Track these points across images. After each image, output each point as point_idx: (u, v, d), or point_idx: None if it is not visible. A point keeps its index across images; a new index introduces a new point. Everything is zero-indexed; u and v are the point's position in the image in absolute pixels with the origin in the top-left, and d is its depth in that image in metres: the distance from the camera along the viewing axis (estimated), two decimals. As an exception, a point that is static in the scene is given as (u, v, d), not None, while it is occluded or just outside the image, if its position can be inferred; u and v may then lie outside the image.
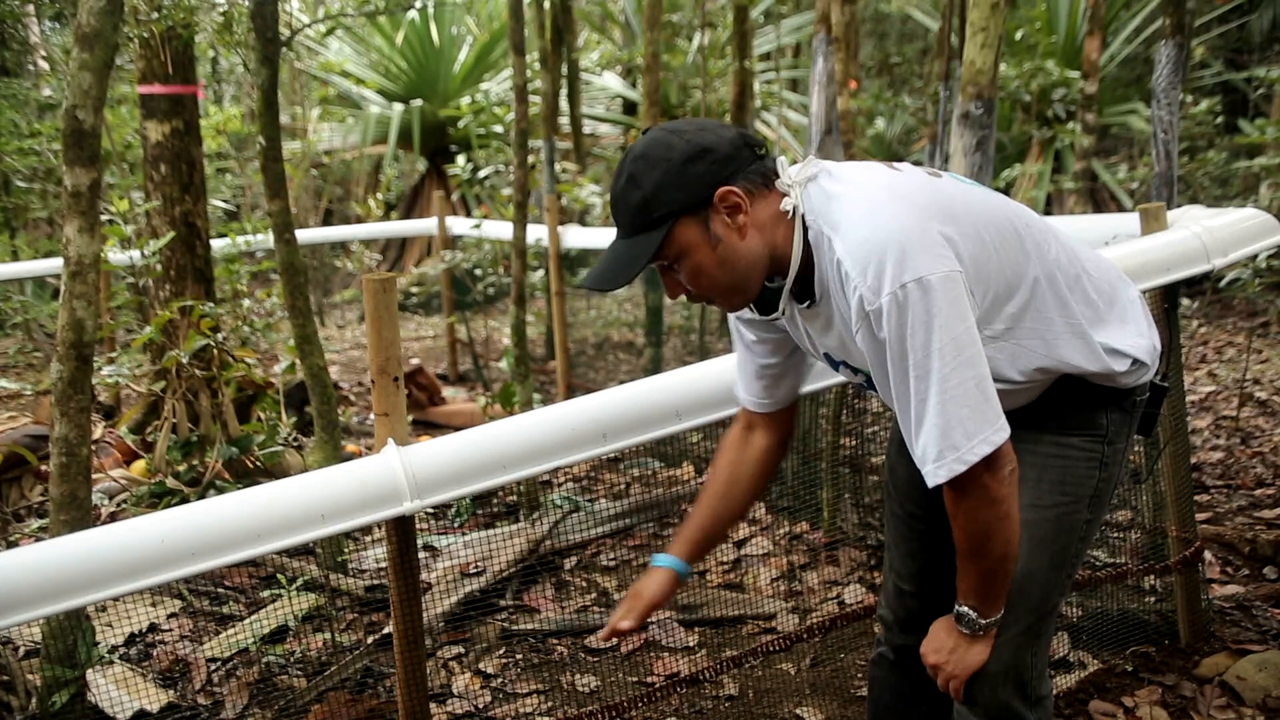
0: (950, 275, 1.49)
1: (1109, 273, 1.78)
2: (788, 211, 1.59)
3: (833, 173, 1.62)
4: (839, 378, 2.15)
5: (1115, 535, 3.39)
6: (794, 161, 1.67)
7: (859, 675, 2.92)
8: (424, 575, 3.54)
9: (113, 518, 3.86)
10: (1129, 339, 1.71)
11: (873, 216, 1.52)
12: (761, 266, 1.62)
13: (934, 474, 1.53)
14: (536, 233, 6.25)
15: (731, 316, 1.86)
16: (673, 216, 1.56)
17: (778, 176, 1.61)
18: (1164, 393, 1.83)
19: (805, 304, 1.67)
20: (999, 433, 1.52)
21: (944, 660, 1.72)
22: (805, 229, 1.59)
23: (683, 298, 1.67)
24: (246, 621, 3.32)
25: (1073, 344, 1.65)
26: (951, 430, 1.50)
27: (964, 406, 1.49)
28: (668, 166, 1.54)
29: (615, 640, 3.22)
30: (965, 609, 1.68)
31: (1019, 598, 1.69)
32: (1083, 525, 1.75)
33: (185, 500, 3.74)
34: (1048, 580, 1.73)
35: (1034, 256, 1.64)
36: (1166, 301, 2.67)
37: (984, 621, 1.67)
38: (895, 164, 1.68)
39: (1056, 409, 1.68)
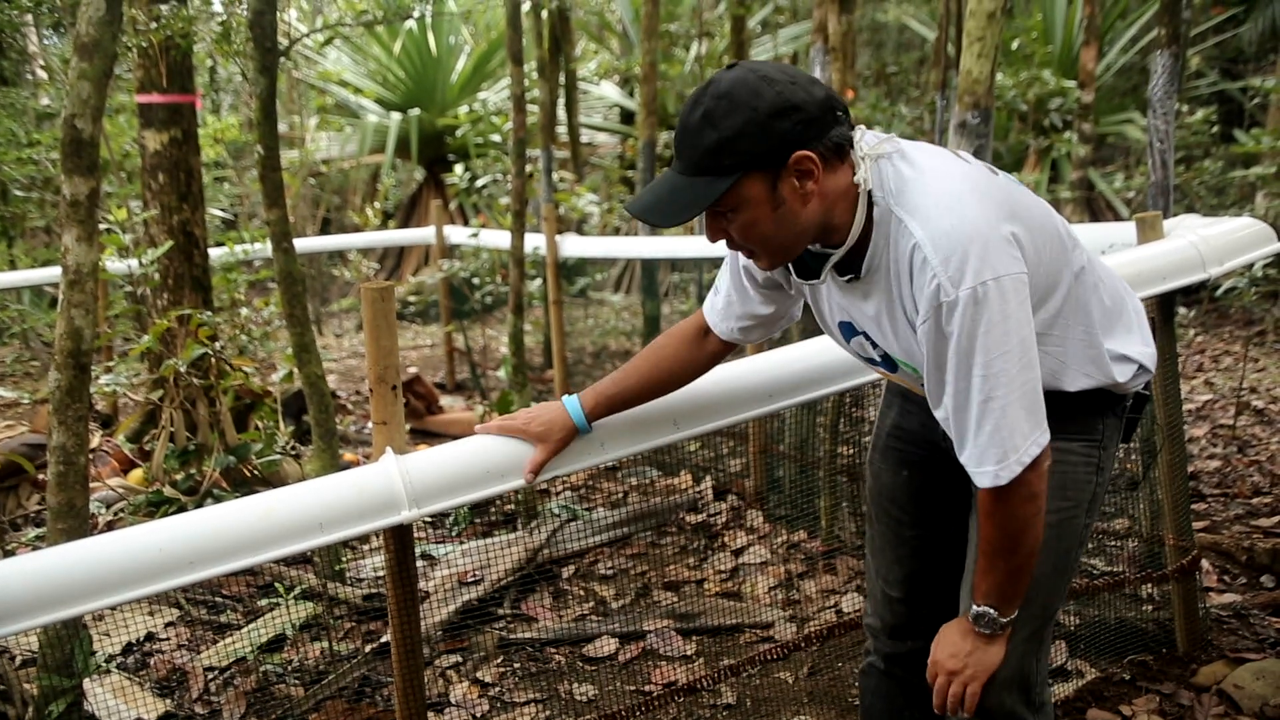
0: (1021, 277, 1.49)
1: (1116, 281, 1.80)
2: (857, 184, 1.55)
3: (906, 153, 1.58)
4: (837, 386, 2.15)
5: (1113, 544, 3.39)
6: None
7: (857, 684, 2.91)
8: (422, 584, 3.54)
9: (110, 526, 3.86)
10: (1136, 346, 1.73)
11: (959, 208, 1.50)
12: (814, 233, 1.58)
13: (995, 476, 1.52)
14: (534, 242, 6.26)
15: (739, 255, 1.79)
16: (743, 168, 1.49)
17: (852, 147, 1.57)
18: (1146, 400, 1.85)
19: (846, 277, 1.64)
20: (1045, 434, 1.54)
21: (962, 665, 1.69)
22: (870, 204, 1.56)
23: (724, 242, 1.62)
24: (244, 630, 3.31)
25: (1082, 357, 1.67)
26: (1014, 433, 1.50)
27: (1023, 409, 1.50)
28: (752, 116, 1.47)
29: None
30: (985, 609, 1.66)
31: (1025, 604, 1.69)
32: (1081, 529, 1.76)
33: (183, 509, 3.74)
34: (1051, 586, 1.73)
35: (1072, 263, 1.65)
36: (1163, 310, 2.67)
37: (1004, 620, 1.67)
38: (961, 153, 1.65)
39: (1058, 414, 1.69)
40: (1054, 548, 1.72)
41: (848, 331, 1.76)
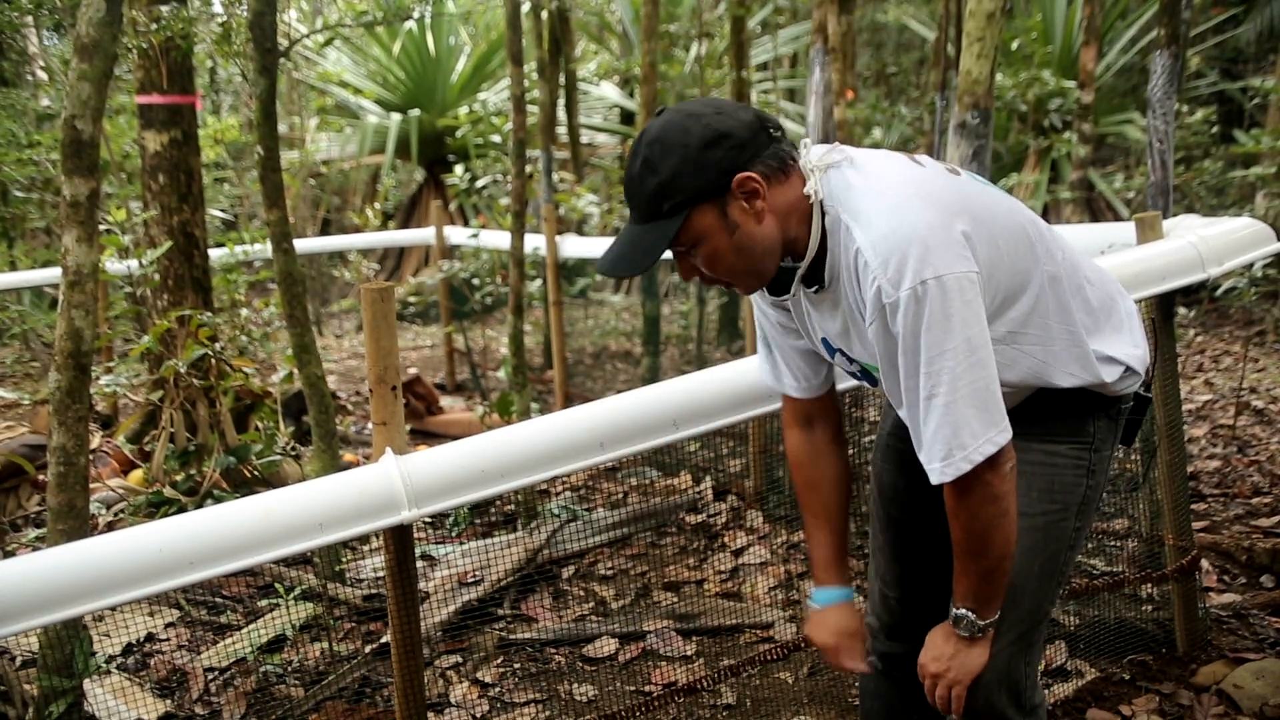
0: (969, 275, 1.49)
1: (1108, 283, 1.80)
2: (807, 196, 1.58)
3: (854, 160, 1.60)
4: (837, 387, 2.15)
5: (1112, 544, 3.40)
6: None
7: (856, 684, 2.92)
8: (422, 584, 3.54)
9: (110, 527, 3.86)
10: (1124, 348, 1.72)
11: (898, 210, 1.52)
12: (778, 250, 1.61)
13: (940, 472, 1.54)
14: (534, 242, 6.26)
15: (756, 308, 1.85)
16: (690, 204, 1.53)
17: (795, 160, 1.60)
18: (1148, 403, 1.84)
19: (814, 289, 1.66)
20: (1003, 433, 1.53)
21: (945, 668, 1.71)
22: (823, 214, 1.58)
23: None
24: (244, 631, 3.31)
25: (1066, 356, 1.66)
26: (960, 430, 1.50)
27: (972, 406, 1.50)
28: (685, 153, 1.51)
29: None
30: (963, 611, 1.67)
31: (1011, 606, 1.69)
32: (1071, 533, 1.75)
33: (183, 510, 3.74)
34: (1038, 589, 1.73)
35: (1042, 262, 1.65)
36: (1162, 310, 2.68)
37: (982, 623, 1.67)
38: (917, 156, 1.67)
39: (1044, 416, 1.69)
40: (1040, 550, 1.71)
41: (829, 348, 1.77)
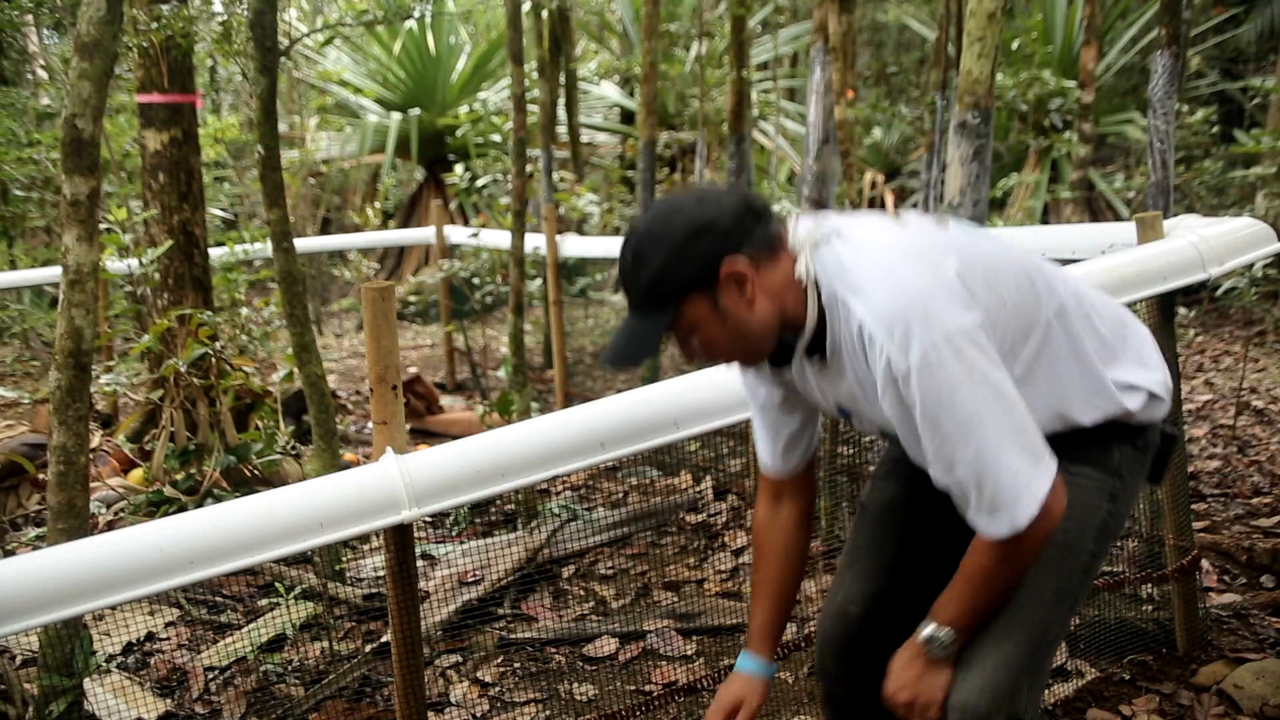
0: (977, 326, 1.49)
1: (1116, 311, 1.78)
2: (799, 275, 1.60)
3: (842, 233, 1.61)
4: None
5: (1113, 544, 3.39)
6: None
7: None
8: (422, 584, 3.54)
9: (110, 526, 3.86)
10: (1143, 374, 1.70)
11: (891, 277, 1.51)
12: (773, 330, 1.63)
13: (1011, 523, 1.50)
14: (534, 241, 6.26)
15: (745, 382, 1.88)
16: (680, 295, 1.57)
17: (785, 241, 1.61)
18: (1175, 442, 1.81)
19: (816, 361, 1.67)
20: (1050, 463, 1.51)
21: (914, 694, 1.66)
22: (819, 290, 1.59)
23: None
24: (244, 630, 3.32)
25: (1084, 389, 1.64)
26: (1008, 480, 1.48)
27: (1013, 450, 1.48)
28: (671, 245, 1.55)
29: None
30: (941, 633, 1.63)
31: (1020, 620, 1.65)
32: (1087, 556, 1.71)
33: (183, 509, 3.74)
34: (1050, 609, 1.68)
35: (1045, 299, 1.63)
36: (1163, 310, 2.67)
37: (955, 646, 1.64)
38: (901, 215, 1.68)
39: (1068, 442, 1.66)
40: (1056, 569, 1.67)
41: (844, 413, 1.76)
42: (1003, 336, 1.56)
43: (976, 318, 1.49)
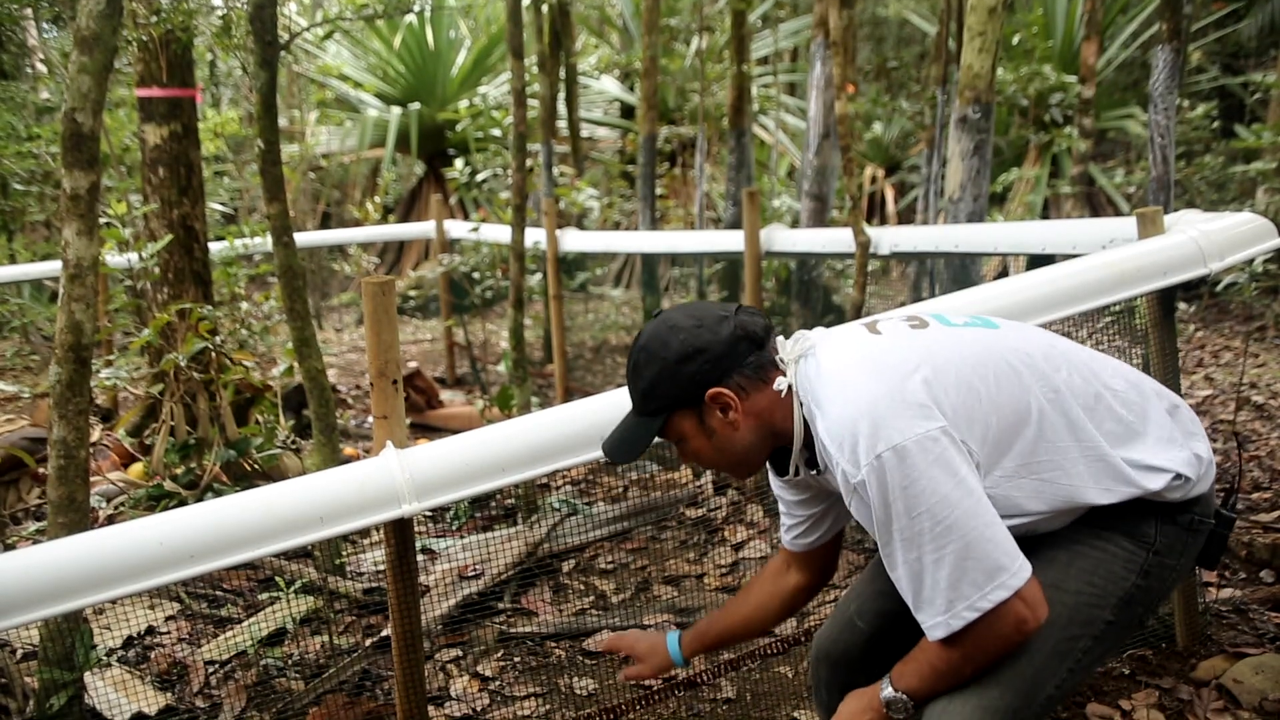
0: (928, 435, 1.47)
1: (1140, 385, 1.71)
2: (783, 391, 1.64)
3: (817, 347, 1.65)
4: None
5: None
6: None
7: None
8: (422, 578, 3.54)
9: (110, 520, 3.86)
10: (1168, 453, 1.63)
11: (844, 391, 1.55)
12: (760, 448, 1.69)
13: (944, 626, 1.49)
14: (534, 236, 6.26)
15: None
16: (668, 410, 1.66)
17: (777, 365, 1.65)
18: (1231, 523, 1.72)
19: (813, 470, 1.70)
20: (1014, 575, 1.47)
21: None
22: (801, 405, 1.64)
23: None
24: (244, 624, 3.32)
25: (1091, 473, 1.59)
26: (953, 590, 1.47)
27: (969, 558, 1.46)
28: (663, 365, 1.63)
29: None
30: (902, 696, 1.59)
31: (1009, 671, 1.56)
32: (1101, 624, 1.63)
33: (183, 503, 3.75)
34: (1045, 665, 1.58)
35: (1034, 387, 1.60)
36: (1163, 305, 2.67)
37: (913, 711, 1.61)
38: (879, 323, 1.69)
39: (1100, 513, 1.63)
40: (1061, 626, 1.59)
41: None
42: (985, 433, 1.54)
43: (933, 426, 1.48)
